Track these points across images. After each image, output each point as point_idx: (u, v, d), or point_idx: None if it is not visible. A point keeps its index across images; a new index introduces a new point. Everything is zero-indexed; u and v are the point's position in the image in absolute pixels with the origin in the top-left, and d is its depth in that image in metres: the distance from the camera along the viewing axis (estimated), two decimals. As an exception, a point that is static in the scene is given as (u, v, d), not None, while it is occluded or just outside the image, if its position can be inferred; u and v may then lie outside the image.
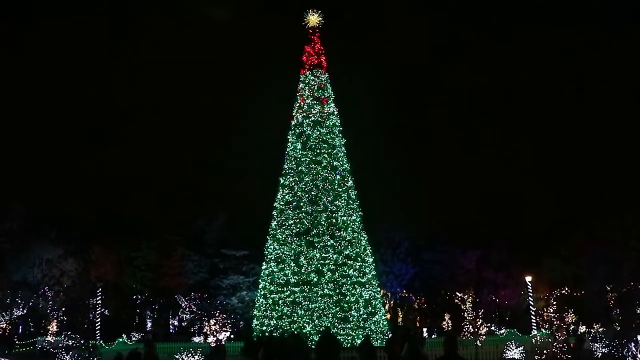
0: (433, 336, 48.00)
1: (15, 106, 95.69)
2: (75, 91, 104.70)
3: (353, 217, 32.43)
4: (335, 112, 34.66)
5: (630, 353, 26.01)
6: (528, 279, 37.41)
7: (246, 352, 24.72)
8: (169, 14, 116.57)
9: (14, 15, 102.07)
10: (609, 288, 53.21)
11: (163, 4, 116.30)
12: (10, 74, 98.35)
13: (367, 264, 32.09)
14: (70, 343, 34.70)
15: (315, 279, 30.34)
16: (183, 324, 56.43)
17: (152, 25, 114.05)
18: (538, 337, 31.26)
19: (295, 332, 27.40)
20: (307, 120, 33.82)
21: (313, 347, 24.52)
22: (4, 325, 45.24)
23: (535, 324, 36.54)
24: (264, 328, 30.49)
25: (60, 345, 34.61)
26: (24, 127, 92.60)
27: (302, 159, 32.98)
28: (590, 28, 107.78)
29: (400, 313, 60.91)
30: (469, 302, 55.21)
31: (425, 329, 50.79)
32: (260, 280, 33.27)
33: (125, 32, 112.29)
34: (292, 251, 31.20)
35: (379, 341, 29.45)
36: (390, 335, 27.74)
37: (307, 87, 34.75)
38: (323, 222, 31.39)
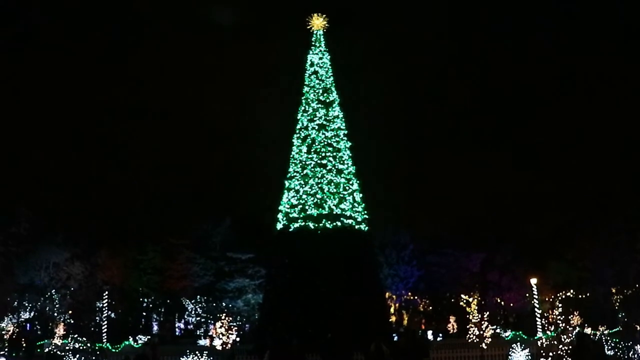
0: (438, 339, 48.03)
1: (21, 109, 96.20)
2: (82, 95, 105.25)
3: (358, 220, 32.56)
4: (340, 116, 34.83)
5: (635, 355, 26.07)
6: (533, 281, 37.44)
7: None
8: (173, 18, 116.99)
9: (17, 17, 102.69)
10: (614, 290, 53.18)
11: (168, 9, 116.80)
12: (15, 77, 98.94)
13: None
14: (77, 346, 34.87)
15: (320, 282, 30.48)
16: (189, 327, 56.63)
17: (159, 30, 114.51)
18: (544, 340, 31.31)
19: (302, 336, 27.56)
20: (312, 124, 34.00)
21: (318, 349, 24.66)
22: (12, 328, 45.51)
23: (540, 327, 36.57)
24: (269, 331, 30.60)
25: (67, 348, 34.78)
26: (30, 130, 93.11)
27: (308, 162, 33.17)
28: (602, 28, 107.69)
29: (405, 316, 60.95)
30: (474, 304, 55.27)
31: (430, 332, 50.79)
32: (265, 283, 33.43)
33: (133, 37, 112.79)
34: (298, 254, 31.36)
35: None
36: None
37: (312, 91, 34.95)
38: (328, 225, 31.54)
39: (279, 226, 33.10)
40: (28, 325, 49.26)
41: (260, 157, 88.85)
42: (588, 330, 40.01)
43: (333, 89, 35.38)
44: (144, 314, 57.18)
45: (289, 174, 33.87)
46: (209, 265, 55.86)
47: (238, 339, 37.58)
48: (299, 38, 38.45)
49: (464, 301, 56.83)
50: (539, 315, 37.14)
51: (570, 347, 27.43)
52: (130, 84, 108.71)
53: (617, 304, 53.88)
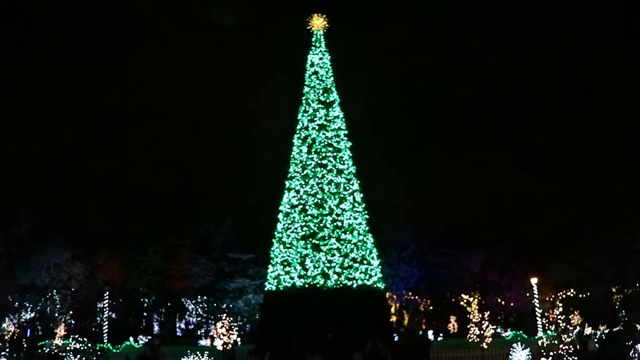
0: (439, 339, 48.08)
1: (22, 110, 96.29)
2: (82, 96, 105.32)
3: (359, 220, 32.58)
4: (341, 116, 34.84)
5: (636, 355, 26.05)
6: (534, 281, 37.46)
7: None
8: (173, 18, 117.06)
9: (18, 18, 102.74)
10: (614, 290, 53.26)
11: (169, 10, 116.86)
12: (16, 77, 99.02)
13: (372, 267, 32.21)
14: (78, 346, 34.89)
15: (321, 282, 30.50)
16: (190, 327, 56.74)
17: (159, 30, 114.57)
18: (544, 339, 31.31)
19: (301, 336, 27.55)
20: (313, 124, 34.00)
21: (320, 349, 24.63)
22: (13, 328, 45.58)
23: (541, 326, 36.59)
24: (270, 331, 30.60)
25: (68, 348, 34.82)
26: (31, 131, 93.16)
27: (308, 163, 33.16)
28: (602, 28, 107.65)
29: (406, 316, 61.02)
30: (474, 304, 55.31)
31: (431, 332, 50.84)
32: (266, 284, 33.44)
33: (133, 37, 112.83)
34: (298, 254, 31.35)
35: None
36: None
37: (312, 91, 34.96)
38: (329, 225, 31.56)
39: (280, 226, 33.11)
40: (29, 326, 49.34)
41: (260, 158, 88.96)
42: (589, 330, 40.04)
43: (333, 89, 35.37)
44: (145, 314, 57.29)
45: (290, 174, 33.87)
46: (210, 265, 55.96)
47: (239, 339, 37.68)
48: (299, 38, 38.48)
49: (465, 301, 56.88)
50: (539, 315, 37.15)
51: (570, 346, 27.46)
52: (130, 84, 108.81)
53: (618, 303, 53.94)
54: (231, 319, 34.52)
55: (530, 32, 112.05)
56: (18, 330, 45.68)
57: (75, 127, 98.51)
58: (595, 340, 31.37)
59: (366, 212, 33.41)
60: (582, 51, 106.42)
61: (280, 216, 33.28)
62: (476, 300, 57.16)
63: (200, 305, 54.55)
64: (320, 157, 33.11)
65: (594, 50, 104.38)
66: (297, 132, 34.50)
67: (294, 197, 32.86)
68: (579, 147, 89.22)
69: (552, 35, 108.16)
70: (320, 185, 32.46)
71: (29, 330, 49.23)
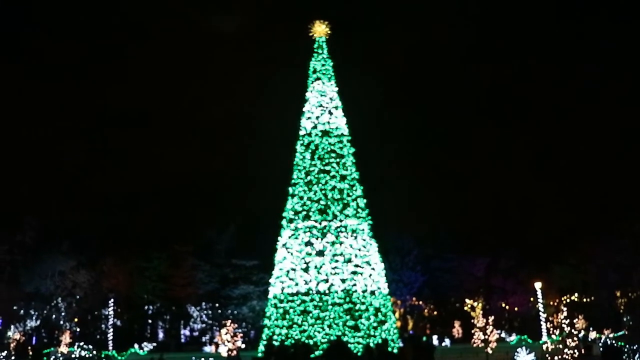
0: (443, 344, 48.02)
1: (26, 118, 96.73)
2: (84, 103, 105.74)
3: (362, 226, 32.65)
4: (344, 122, 34.93)
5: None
6: (537, 285, 37.55)
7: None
8: (176, 22, 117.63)
9: (15, 20, 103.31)
10: (618, 294, 53.11)
11: (173, 13, 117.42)
12: (18, 83, 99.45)
13: (376, 272, 32.24)
14: (83, 354, 35.09)
15: (325, 288, 30.55)
16: (194, 334, 56.79)
17: (161, 35, 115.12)
18: (549, 344, 31.34)
19: (306, 342, 27.65)
20: (316, 130, 34.12)
21: (323, 355, 24.71)
22: (18, 336, 45.70)
23: (545, 331, 36.57)
24: (275, 337, 30.69)
25: (73, 356, 35.00)
26: (35, 140, 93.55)
27: (311, 169, 33.24)
28: (602, 28, 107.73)
29: (410, 321, 60.96)
30: (478, 309, 55.25)
31: (435, 337, 50.78)
32: (270, 290, 33.51)
33: (134, 43, 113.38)
34: (302, 260, 31.44)
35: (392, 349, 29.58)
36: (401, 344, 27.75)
37: (314, 97, 35.08)
38: (332, 231, 31.65)
39: (283, 233, 33.22)
40: (34, 334, 49.48)
41: (263, 164, 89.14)
42: (593, 334, 40.00)
43: (336, 95, 35.49)
44: (150, 321, 57.37)
45: (293, 181, 33.95)
46: (214, 272, 56.03)
47: (243, 345, 37.73)
48: (302, 44, 38.57)
49: (469, 306, 56.83)
50: (543, 319, 37.16)
51: (575, 350, 27.49)
52: (132, 90, 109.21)
53: (622, 307, 53.82)
54: (235, 325, 34.65)
55: (530, 34, 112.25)
56: (23, 338, 45.79)
57: (78, 134, 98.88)
58: (600, 344, 31.41)
59: (369, 217, 33.49)
60: (582, 52, 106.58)
61: (283, 222, 33.39)
62: (480, 305, 57.10)
63: (205, 312, 54.59)
64: (324, 163, 33.19)
65: (594, 51, 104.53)
66: (300, 138, 34.61)
67: (298, 203, 32.95)
68: (581, 151, 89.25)
69: (552, 36, 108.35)
70: (323, 192, 32.53)
71: (34, 338, 49.36)
